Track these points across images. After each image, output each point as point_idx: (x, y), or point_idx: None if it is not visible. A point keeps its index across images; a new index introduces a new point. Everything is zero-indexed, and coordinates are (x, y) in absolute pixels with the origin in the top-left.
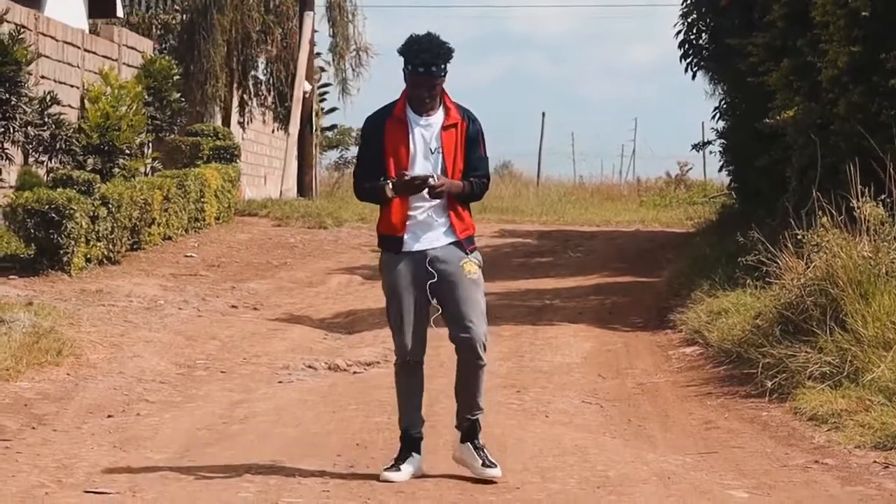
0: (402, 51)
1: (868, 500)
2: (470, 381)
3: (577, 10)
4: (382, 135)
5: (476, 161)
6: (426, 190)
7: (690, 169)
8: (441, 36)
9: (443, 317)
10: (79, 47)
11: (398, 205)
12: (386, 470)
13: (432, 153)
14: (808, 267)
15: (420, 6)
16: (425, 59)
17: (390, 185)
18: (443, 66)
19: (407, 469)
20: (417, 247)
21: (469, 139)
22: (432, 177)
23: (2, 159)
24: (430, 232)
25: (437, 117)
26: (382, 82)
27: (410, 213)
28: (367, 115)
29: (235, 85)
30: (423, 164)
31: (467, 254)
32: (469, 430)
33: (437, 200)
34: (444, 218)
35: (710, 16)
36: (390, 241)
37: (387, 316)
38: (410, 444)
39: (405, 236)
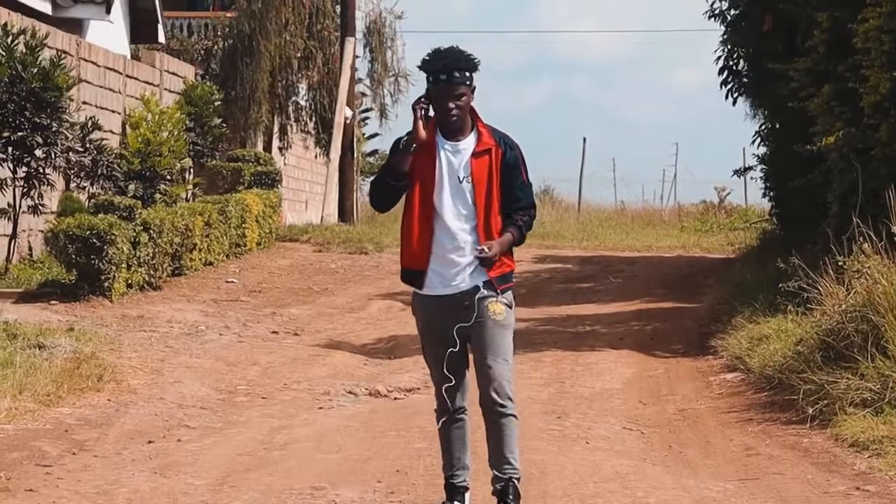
0: (422, 64)
1: None
2: (495, 433)
3: (622, 35)
4: None
5: (518, 189)
6: (478, 255)
7: (729, 194)
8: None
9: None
10: (120, 73)
11: (420, 232)
12: None
13: (461, 182)
14: (849, 293)
15: (466, 31)
16: (446, 63)
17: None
18: (466, 74)
19: None
20: (445, 291)
21: (506, 166)
22: (482, 249)
23: (44, 185)
24: (458, 271)
25: (468, 142)
26: None
27: (436, 247)
28: None
29: (277, 110)
30: (450, 193)
31: (497, 293)
32: (502, 494)
33: (466, 233)
34: (474, 254)
35: (751, 41)
36: (412, 275)
37: (425, 363)
38: (452, 492)
39: (429, 273)
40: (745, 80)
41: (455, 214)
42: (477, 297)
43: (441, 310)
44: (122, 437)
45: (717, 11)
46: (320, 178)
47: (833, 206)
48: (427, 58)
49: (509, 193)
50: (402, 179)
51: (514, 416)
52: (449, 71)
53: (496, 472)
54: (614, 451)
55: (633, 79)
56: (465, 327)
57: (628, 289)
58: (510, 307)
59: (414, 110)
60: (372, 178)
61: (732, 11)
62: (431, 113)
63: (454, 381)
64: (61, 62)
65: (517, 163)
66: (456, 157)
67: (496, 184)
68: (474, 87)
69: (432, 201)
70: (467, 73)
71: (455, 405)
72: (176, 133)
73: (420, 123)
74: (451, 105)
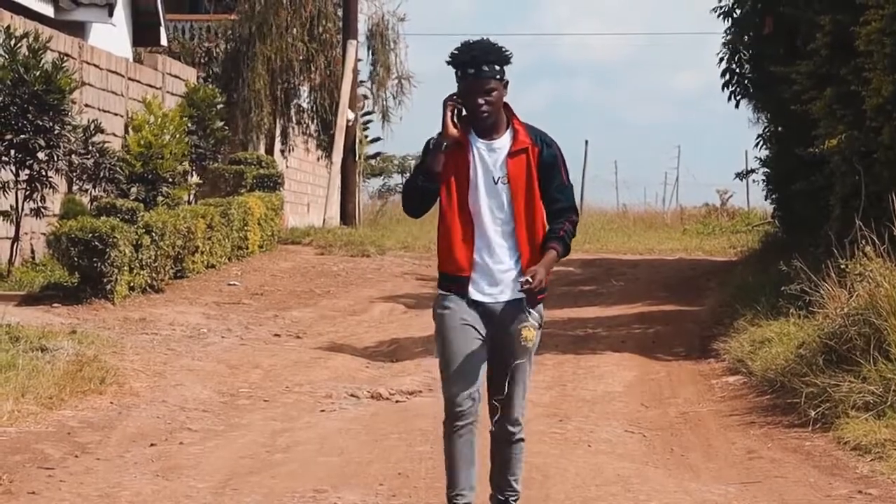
0: (450, 57)
1: None
2: (501, 456)
3: (624, 37)
4: None
5: (557, 191)
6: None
7: (731, 197)
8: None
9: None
10: (122, 76)
11: (456, 236)
12: None
13: (496, 183)
14: (851, 296)
15: (468, 33)
16: (475, 56)
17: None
18: (496, 68)
19: None
20: (479, 298)
21: (544, 166)
22: (526, 280)
23: (46, 187)
24: (493, 280)
25: (503, 141)
26: (426, 111)
27: (475, 253)
28: (410, 143)
29: (279, 113)
30: (485, 194)
31: (531, 310)
32: None
33: (502, 238)
34: (513, 262)
35: (753, 44)
36: (453, 280)
37: (439, 368)
38: None
39: (469, 281)
40: (746, 82)
41: (490, 218)
42: (509, 313)
43: (469, 315)
44: (124, 440)
45: (725, 9)
46: (322, 181)
47: (835, 209)
48: (455, 51)
49: (547, 195)
50: (434, 180)
51: (523, 439)
52: (478, 64)
53: (496, 493)
54: (616, 454)
55: (634, 81)
56: (490, 339)
57: (630, 292)
58: (540, 326)
59: (444, 106)
60: (373, 177)
61: (738, 10)
62: (464, 112)
63: (469, 391)
64: (64, 65)
65: (556, 161)
66: (490, 157)
67: (536, 186)
68: (507, 82)
69: (467, 203)
70: (497, 67)
71: (466, 419)
72: (178, 136)
73: (449, 120)
74: (481, 101)
